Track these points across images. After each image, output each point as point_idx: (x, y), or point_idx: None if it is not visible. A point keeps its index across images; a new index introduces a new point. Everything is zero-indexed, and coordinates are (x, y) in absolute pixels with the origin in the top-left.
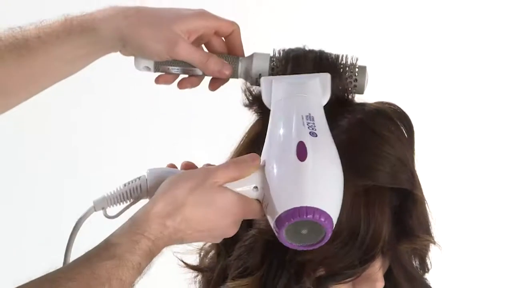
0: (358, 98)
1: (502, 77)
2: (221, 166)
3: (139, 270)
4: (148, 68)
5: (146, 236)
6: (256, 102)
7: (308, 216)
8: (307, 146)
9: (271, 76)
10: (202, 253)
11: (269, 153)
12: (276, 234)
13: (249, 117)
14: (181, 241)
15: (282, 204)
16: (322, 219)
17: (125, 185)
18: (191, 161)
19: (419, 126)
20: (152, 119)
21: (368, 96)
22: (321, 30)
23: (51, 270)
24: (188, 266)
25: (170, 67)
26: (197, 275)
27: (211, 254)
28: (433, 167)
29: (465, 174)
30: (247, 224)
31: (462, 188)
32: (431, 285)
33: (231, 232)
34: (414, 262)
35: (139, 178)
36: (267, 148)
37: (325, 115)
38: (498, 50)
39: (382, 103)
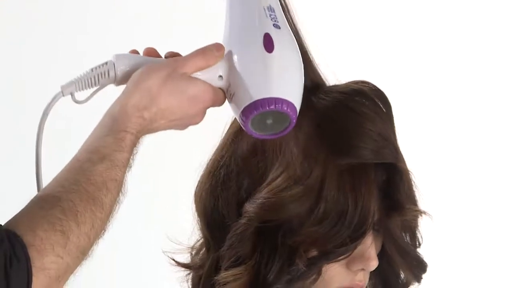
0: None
1: (501, 78)
2: (189, 56)
3: (128, 165)
4: None
5: (129, 131)
6: None
7: (276, 106)
8: (273, 38)
9: None
10: (193, 252)
11: (234, 44)
12: (242, 123)
13: None
14: (155, 130)
15: (249, 94)
16: (288, 109)
17: (92, 70)
18: (153, 47)
19: (418, 125)
20: None
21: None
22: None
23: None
24: (179, 264)
25: None
26: (189, 273)
27: (202, 251)
28: (431, 165)
29: (463, 172)
30: (237, 214)
31: (461, 185)
32: (424, 258)
33: (198, 119)
34: (405, 237)
35: (106, 63)
36: (229, 37)
37: (304, 96)
38: (497, 51)
39: (355, 82)
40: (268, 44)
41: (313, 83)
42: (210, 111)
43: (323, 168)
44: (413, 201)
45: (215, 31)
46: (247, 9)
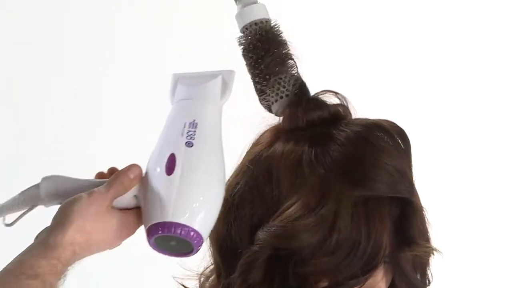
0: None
1: (500, 81)
2: (111, 188)
3: None
4: None
5: (61, 261)
6: None
7: (170, 231)
8: (177, 158)
9: (180, 73)
10: (202, 278)
11: (148, 163)
12: (148, 242)
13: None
14: (79, 259)
15: (148, 217)
16: (184, 234)
17: (22, 193)
18: (103, 172)
19: (418, 131)
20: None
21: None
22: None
23: None
24: None
25: None
26: None
27: (211, 278)
28: (445, 206)
29: (463, 179)
30: (249, 241)
31: (461, 193)
32: None
33: (117, 245)
34: (415, 274)
35: (34, 186)
36: (150, 156)
37: (322, 130)
38: (496, 54)
39: (378, 119)
40: (170, 165)
41: (333, 116)
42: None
43: (337, 199)
44: (426, 238)
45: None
46: (168, 123)
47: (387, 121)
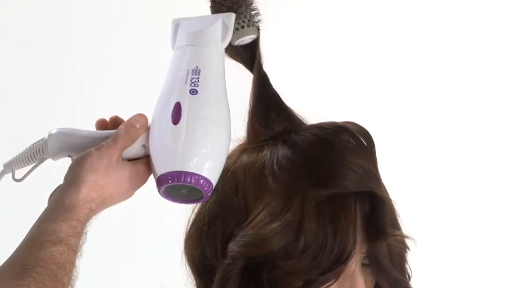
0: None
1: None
2: (118, 140)
3: (79, 250)
4: None
5: (80, 220)
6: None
7: (180, 180)
8: (182, 107)
9: (180, 18)
10: None
11: (154, 111)
12: (158, 191)
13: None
14: (96, 213)
15: (157, 167)
16: (194, 182)
17: (29, 147)
18: (104, 119)
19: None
20: None
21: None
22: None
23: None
24: None
25: None
26: None
27: None
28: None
29: (459, 179)
30: (221, 254)
31: (457, 193)
32: None
33: (130, 195)
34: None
35: (41, 139)
36: (155, 105)
37: (283, 137)
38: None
39: (342, 122)
40: (176, 114)
41: (294, 125)
42: None
43: (301, 202)
44: (396, 227)
45: None
46: (172, 71)
47: (349, 122)
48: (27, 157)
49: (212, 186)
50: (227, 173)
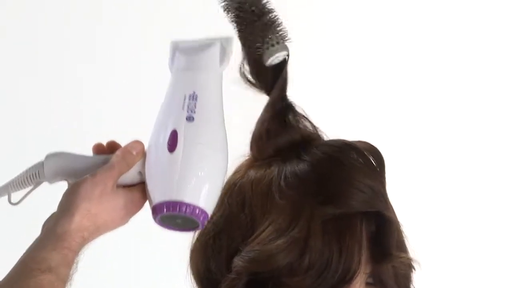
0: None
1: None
2: (114, 166)
3: (69, 279)
4: None
5: (72, 249)
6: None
7: (176, 210)
8: (179, 135)
9: (178, 41)
10: None
11: (150, 139)
12: (153, 218)
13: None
14: (89, 242)
15: (153, 195)
16: (189, 212)
17: (26, 170)
18: (101, 144)
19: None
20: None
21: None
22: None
23: None
24: None
25: None
26: None
27: None
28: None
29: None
30: (226, 268)
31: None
32: None
33: (125, 223)
34: None
35: (37, 163)
36: (152, 131)
37: (291, 153)
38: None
39: (352, 140)
40: (172, 142)
41: (303, 138)
42: None
43: (307, 219)
44: (403, 250)
45: None
46: (168, 96)
47: (360, 141)
48: (23, 180)
49: (208, 216)
50: (234, 188)
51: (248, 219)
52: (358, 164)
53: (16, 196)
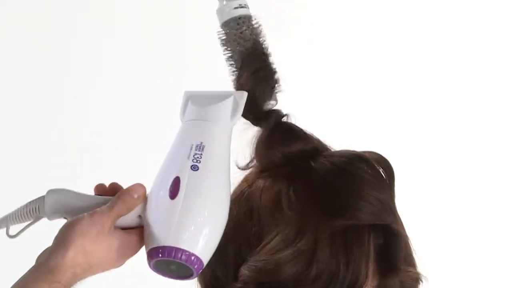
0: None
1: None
2: (114, 208)
3: None
4: None
5: (62, 283)
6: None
7: (171, 256)
8: (181, 182)
9: (191, 91)
10: None
11: (153, 184)
12: (148, 263)
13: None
14: (82, 279)
15: (149, 239)
16: (185, 259)
17: (26, 204)
18: (103, 184)
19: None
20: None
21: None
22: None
23: None
24: None
25: None
26: None
27: None
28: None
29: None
30: (233, 277)
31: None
32: None
33: (119, 265)
34: None
35: (38, 198)
36: (155, 177)
37: (300, 163)
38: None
39: (362, 151)
40: (174, 189)
41: (313, 148)
42: None
43: (315, 231)
44: (410, 264)
45: None
46: (176, 143)
47: (370, 152)
48: (23, 214)
49: (203, 265)
50: (241, 197)
51: (255, 228)
52: (367, 176)
53: (14, 229)
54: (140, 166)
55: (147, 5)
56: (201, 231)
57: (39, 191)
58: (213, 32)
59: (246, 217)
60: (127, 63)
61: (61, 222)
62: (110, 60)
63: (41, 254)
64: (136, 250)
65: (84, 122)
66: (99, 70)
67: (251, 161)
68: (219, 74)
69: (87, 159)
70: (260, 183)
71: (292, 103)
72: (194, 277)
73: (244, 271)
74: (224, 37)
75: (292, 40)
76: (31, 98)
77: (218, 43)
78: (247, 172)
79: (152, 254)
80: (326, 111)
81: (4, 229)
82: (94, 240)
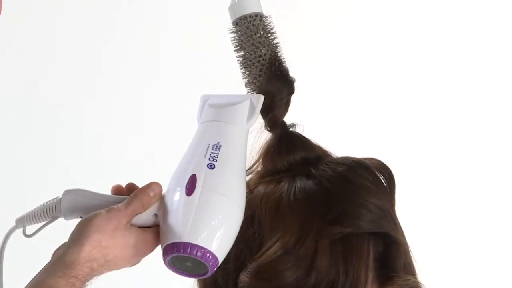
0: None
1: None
2: (130, 206)
3: None
4: None
5: (79, 278)
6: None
7: (187, 252)
8: (198, 179)
9: (209, 95)
10: None
11: (170, 182)
12: (163, 260)
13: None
14: (98, 275)
15: (165, 236)
16: (200, 255)
17: (43, 205)
18: (120, 185)
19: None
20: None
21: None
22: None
23: None
24: None
25: None
26: None
27: None
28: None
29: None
30: (233, 283)
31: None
32: None
33: (136, 263)
34: None
35: (55, 198)
36: (172, 175)
37: (302, 170)
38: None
39: (362, 157)
40: (191, 186)
41: (316, 156)
42: None
43: (315, 238)
44: (410, 272)
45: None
46: (193, 143)
47: (371, 159)
48: (40, 214)
49: (218, 263)
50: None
51: (256, 234)
52: (368, 183)
53: (30, 229)
54: (151, 168)
55: (147, 5)
56: (217, 229)
57: (39, 191)
58: (213, 32)
59: (247, 223)
60: (127, 63)
61: (76, 221)
62: (110, 60)
63: (57, 249)
64: (151, 248)
65: (84, 122)
66: (99, 70)
67: (253, 165)
68: (219, 74)
69: (87, 159)
70: (261, 189)
71: (293, 106)
72: (209, 275)
73: (244, 277)
74: (236, 37)
75: (294, 46)
76: (31, 98)
77: (217, 43)
78: (248, 178)
79: (168, 250)
80: (328, 116)
81: (21, 229)
82: (110, 236)
